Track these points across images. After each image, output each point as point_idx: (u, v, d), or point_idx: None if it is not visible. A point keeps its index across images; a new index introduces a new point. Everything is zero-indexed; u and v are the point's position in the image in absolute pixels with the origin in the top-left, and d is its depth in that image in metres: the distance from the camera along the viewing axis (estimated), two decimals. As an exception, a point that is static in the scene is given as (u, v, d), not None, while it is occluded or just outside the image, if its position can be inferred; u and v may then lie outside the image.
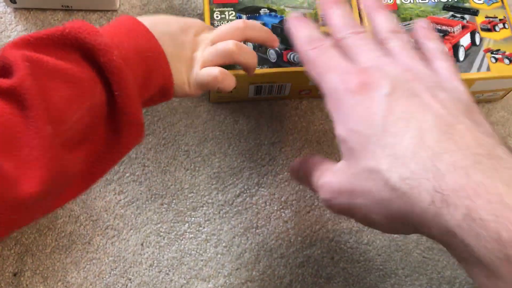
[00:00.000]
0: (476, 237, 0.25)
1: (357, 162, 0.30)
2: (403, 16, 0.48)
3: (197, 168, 0.47)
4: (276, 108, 0.50)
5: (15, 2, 0.51)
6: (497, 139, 0.29)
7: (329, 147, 0.49)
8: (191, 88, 0.39)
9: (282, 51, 0.46)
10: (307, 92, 0.49)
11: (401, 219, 0.29)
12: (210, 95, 0.48)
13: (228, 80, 0.39)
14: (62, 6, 0.52)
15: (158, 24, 0.38)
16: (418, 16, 0.48)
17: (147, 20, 0.37)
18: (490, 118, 0.52)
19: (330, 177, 0.32)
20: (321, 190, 0.33)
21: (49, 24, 0.52)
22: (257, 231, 0.45)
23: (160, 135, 0.48)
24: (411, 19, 0.48)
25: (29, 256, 0.43)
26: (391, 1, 0.49)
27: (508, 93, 0.50)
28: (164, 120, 0.49)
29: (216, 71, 0.38)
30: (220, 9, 0.47)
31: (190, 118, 0.49)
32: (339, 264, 0.45)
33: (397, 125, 0.29)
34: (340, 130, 0.32)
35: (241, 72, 0.44)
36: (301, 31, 0.36)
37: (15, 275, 0.43)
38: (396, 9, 0.48)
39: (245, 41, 0.44)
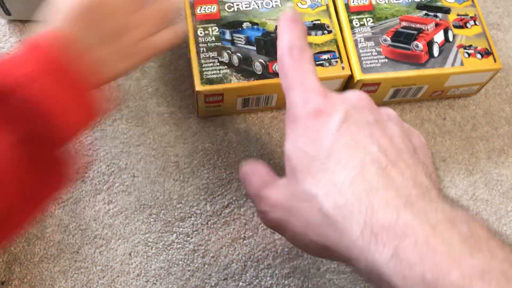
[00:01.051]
0: (403, 277, 0.26)
1: (298, 182, 0.31)
2: (379, 16, 0.50)
3: (186, 179, 0.48)
4: (266, 120, 0.51)
5: (9, 14, 0.52)
6: (434, 181, 0.30)
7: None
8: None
9: (267, 63, 0.47)
10: None
11: (329, 247, 0.29)
12: (198, 109, 0.49)
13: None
14: (56, 18, 0.53)
15: None
16: (393, 15, 0.50)
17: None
18: (465, 112, 0.53)
19: (272, 191, 0.33)
20: (261, 201, 0.33)
21: (43, 36, 0.53)
22: (244, 241, 0.46)
23: (150, 146, 0.49)
24: (386, 18, 0.50)
25: (17, 265, 0.43)
26: (367, 1, 0.50)
27: (482, 87, 0.52)
28: (154, 131, 0.49)
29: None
30: (203, 25, 0.48)
31: (180, 129, 0.50)
32: (325, 275, 0.45)
33: (342, 152, 0.30)
34: (289, 147, 0.32)
35: (229, 85, 0.45)
36: (285, 37, 0.35)
37: (2, 283, 0.43)
38: (371, 9, 0.50)
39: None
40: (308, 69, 0.34)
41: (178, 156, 0.49)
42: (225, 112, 0.50)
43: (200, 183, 0.48)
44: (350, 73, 0.47)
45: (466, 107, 0.53)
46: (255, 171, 0.36)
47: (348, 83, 0.49)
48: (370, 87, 0.48)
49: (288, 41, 0.35)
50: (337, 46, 0.48)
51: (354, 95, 0.34)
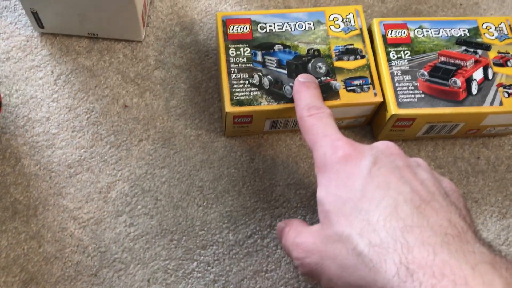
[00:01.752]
0: None
1: (331, 224, 0.31)
2: (417, 49, 0.48)
3: (209, 205, 0.47)
4: (293, 148, 0.50)
5: (43, 27, 0.51)
6: (470, 224, 0.30)
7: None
8: None
9: None
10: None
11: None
12: (226, 128, 0.48)
13: None
14: (88, 33, 0.52)
15: None
16: (432, 50, 0.49)
17: None
18: (500, 152, 0.51)
19: (306, 237, 0.34)
20: (296, 248, 0.34)
21: (74, 51, 0.52)
22: (266, 275, 0.44)
23: (175, 169, 0.48)
24: (424, 52, 0.48)
25: (33, 284, 0.42)
26: (405, 34, 0.49)
27: None
28: (180, 154, 0.49)
29: None
30: (235, 45, 0.47)
31: (206, 153, 0.49)
32: (348, 316, 0.43)
33: (374, 192, 0.30)
34: (321, 193, 0.33)
35: (259, 108, 0.44)
36: (302, 98, 0.40)
37: (18, 303, 0.42)
38: (409, 42, 0.49)
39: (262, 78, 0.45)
40: (330, 123, 0.37)
41: (203, 180, 0.48)
42: (253, 133, 0.49)
43: (224, 210, 0.47)
44: (382, 99, 0.46)
45: (501, 146, 0.52)
46: (289, 224, 0.37)
47: (380, 112, 0.48)
48: (404, 122, 0.47)
49: (306, 101, 0.39)
50: (370, 72, 0.47)
51: (382, 144, 0.35)
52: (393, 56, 0.48)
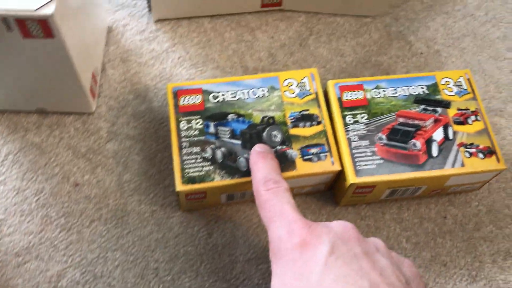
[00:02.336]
0: None
1: None
2: (374, 111, 0.47)
3: (166, 288, 0.45)
4: (254, 219, 0.48)
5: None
6: None
7: (308, 264, 0.46)
8: None
9: None
10: None
11: None
12: (180, 204, 0.46)
13: None
14: (37, 108, 0.51)
15: None
16: (390, 111, 0.47)
17: None
18: (467, 210, 0.49)
19: None
20: None
21: (22, 127, 0.51)
22: None
23: (129, 251, 0.46)
24: (382, 114, 0.47)
25: None
26: (361, 95, 0.47)
27: (485, 184, 0.49)
28: (134, 233, 0.47)
29: None
30: (186, 118, 0.45)
31: (162, 231, 0.47)
32: None
33: (331, 286, 0.29)
34: (276, 283, 0.31)
35: (211, 184, 0.42)
36: (259, 170, 0.38)
37: None
38: (366, 104, 0.47)
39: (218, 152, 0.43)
40: (287, 200, 0.35)
41: (158, 261, 0.46)
42: (209, 206, 0.48)
43: (181, 292, 0.45)
44: (340, 168, 0.44)
45: (468, 203, 0.50)
46: None
47: (340, 178, 0.46)
48: (364, 189, 0.45)
49: (262, 173, 0.38)
50: (327, 139, 0.45)
51: (339, 226, 0.34)
52: (350, 121, 0.46)
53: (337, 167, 0.44)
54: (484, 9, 0.60)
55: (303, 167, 0.44)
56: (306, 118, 0.46)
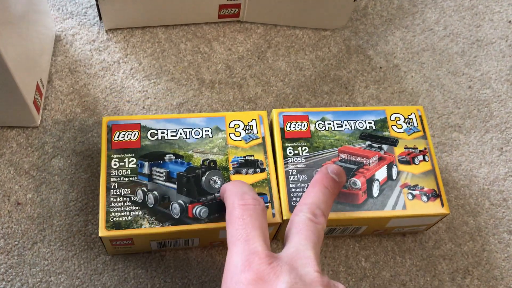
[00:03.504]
0: None
1: None
2: (316, 145, 0.44)
3: (113, 315, 0.42)
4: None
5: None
6: None
7: None
8: None
9: (187, 205, 0.40)
10: (218, 243, 0.44)
11: None
12: (106, 248, 0.42)
13: None
14: (-25, 121, 0.47)
15: None
16: (332, 145, 0.44)
17: None
18: (409, 261, 0.48)
19: None
20: None
21: (-41, 142, 0.47)
22: None
23: (74, 274, 0.43)
24: (324, 148, 0.44)
25: None
26: (305, 127, 0.45)
27: (430, 227, 0.47)
28: (80, 256, 0.44)
29: None
30: (119, 155, 0.42)
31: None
32: None
33: None
34: None
35: (138, 231, 0.39)
36: (237, 186, 0.36)
37: None
38: (309, 137, 0.44)
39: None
40: (259, 224, 0.32)
41: (105, 286, 0.43)
42: (139, 251, 0.44)
43: (130, 319, 0.42)
44: (281, 221, 0.41)
45: (427, 220, 0.49)
46: None
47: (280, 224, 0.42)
48: None
49: (240, 188, 0.35)
50: (270, 188, 0.42)
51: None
52: (290, 152, 0.43)
53: (278, 220, 0.40)
54: (442, 24, 0.60)
55: None
56: (250, 164, 0.43)
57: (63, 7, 0.55)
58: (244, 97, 0.53)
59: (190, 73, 0.54)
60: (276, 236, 0.45)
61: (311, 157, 0.44)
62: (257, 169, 0.42)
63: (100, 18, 0.53)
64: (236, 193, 0.35)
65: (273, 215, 0.41)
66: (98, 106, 0.50)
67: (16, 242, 0.44)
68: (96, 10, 0.55)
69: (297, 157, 0.43)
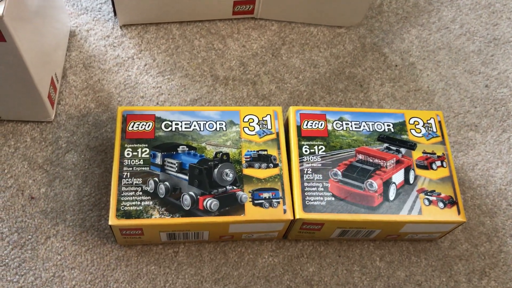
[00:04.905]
0: None
1: None
2: (333, 144, 0.43)
3: (126, 311, 0.42)
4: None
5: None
6: None
7: (278, 284, 0.44)
8: None
9: (198, 197, 0.40)
10: (228, 237, 0.44)
11: None
12: (116, 238, 0.42)
13: None
14: (-10, 116, 0.47)
15: None
16: (350, 145, 0.43)
17: None
18: (425, 261, 0.47)
19: None
20: None
21: (-26, 136, 0.47)
22: None
23: (87, 269, 0.43)
24: (341, 148, 0.43)
25: None
26: (322, 126, 0.44)
27: (445, 235, 0.46)
28: (93, 251, 0.43)
29: None
30: (132, 145, 0.41)
31: (123, 248, 0.44)
32: None
33: None
34: None
35: (148, 221, 0.39)
36: None
37: None
38: (326, 136, 0.44)
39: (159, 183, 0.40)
40: None
41: (118, 281, 0.43)
42: (149, 243, 0.44)
43: (143, 315, 0.42)
44: (292, 218, 0.40)
45: (443, 220, 0.49)
46: None
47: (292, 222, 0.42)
48: (312, 226, 0.42)
49: None
50: (282, 184, 0.41)
51: None
52: (306, 151, 0.43)
53: (289, 216, 0.40)
54: (459, 22, 0.60)
55: (252, 213, 0.40)
56: (263, 159, 0.42)
57: (78, 2, 0.55)
58: (258, 94, 0.52)
59: (204, 69, 0.53)
60: (287, 235, 0.44)
61: (327, 156, 0.43)
62: (270, 164, 0.42)
63: (115, 14, 0.53)
64: None
65: (284, 211, 0.40)
66: (112, 102, 0.50)
67: (29, 236, 0.44)
68: (110, 5, 0.55)
69: (313, 156, 0.43)
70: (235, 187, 0.41)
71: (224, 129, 0.43)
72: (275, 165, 0.42)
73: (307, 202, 0.41)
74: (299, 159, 0.42)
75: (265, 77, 0.54)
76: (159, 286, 0.43)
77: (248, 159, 0.42)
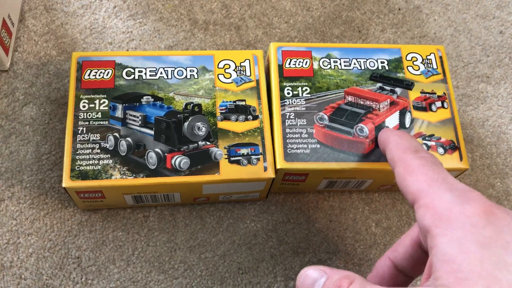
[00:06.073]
0: None
1: None
2: (319, 85, 0.38)
3: (89, 282, 0.37)
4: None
5: None
6: None
7: (261, 252, 0.39)
8: None
9: (166, 155, 0.35)
10: (204, 199, 0.39)
11: None
12: (74, 200, 0.37)
13: None
14: None
15: None
16: (338, 86, 0.38)
17: None
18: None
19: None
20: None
21: None
22: None
23: (46, 236, 0.38)
24: (328, 89, 0.38)
25: None
26: (307, 64, 0.39)
27: None
28: (52, 215, 0.39)
29: None
30: (89, 96, 0.36)
31: (86, 212, 0.39)
32: None
33: None
34: (450, 249, 0.25)
35: (108, 182, 0.34)
36: (404, 138, 0.31)
37: None
38: (311, 76, 0.38)
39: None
40: (439, 170, 0.28)
41: (81, 249, 0.38)
42: (115, 207, 0.39)
43: (108, 287, 0.37)
44: (273, 176, 0.35)
45: (448, 182, 0.43)
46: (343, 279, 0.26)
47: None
48: (295, 177, 0.37)
49: (409, 142, 0.30)
50: (263, 138, 0.36)
51: None
52: (288, 93, 0.38)
53: (270, 175, 0.35)
54: (471, -39, 0.53)
55: (228, 171, 0.35)
56: (240, 110, 0.37)
57: None
58: (242, 40, 0.47)
59: (181, 12, 0.47)
60: (269, 193, 0.39)
61: (312, 98, 0.38)
62: (248, 116, 0.37)
63: None
64: (407, 147, 0.30)
65: (265, 168, 0.35)
66: (76, 48, 0.45)
67: (-19, 199, 0.39)
68: None
69: (296, 99, 0.38)
70: (208, 143, 0.36)
71: (196, 76, 0.38)
72: (255, 117, 0.37)
73: (289, 151, 0.36)
74: (281, 103, 0.37)
75: (250, 21, 0.47)
76: (127, 254, 0.38)
77: (224, 111, 0.37)
